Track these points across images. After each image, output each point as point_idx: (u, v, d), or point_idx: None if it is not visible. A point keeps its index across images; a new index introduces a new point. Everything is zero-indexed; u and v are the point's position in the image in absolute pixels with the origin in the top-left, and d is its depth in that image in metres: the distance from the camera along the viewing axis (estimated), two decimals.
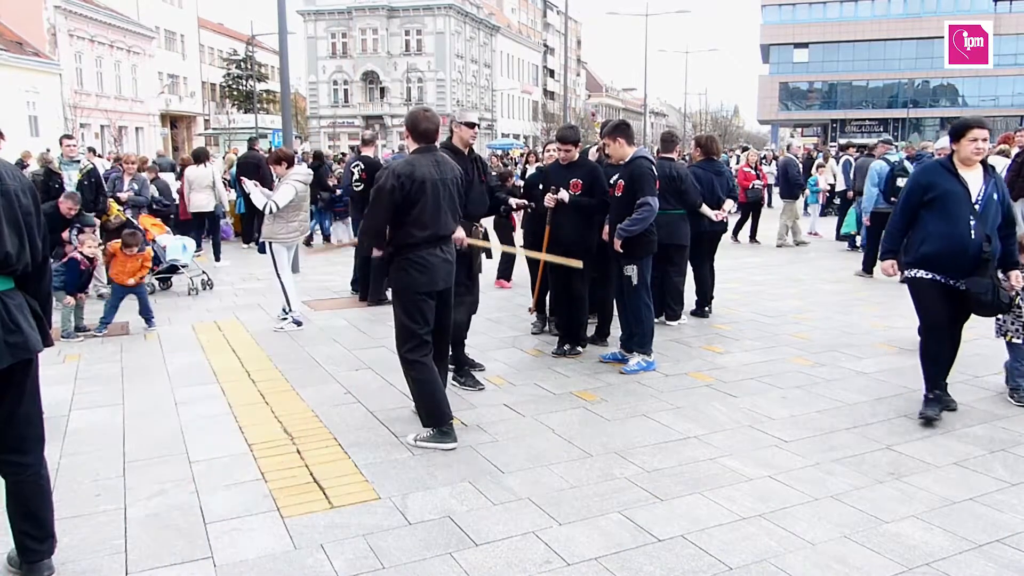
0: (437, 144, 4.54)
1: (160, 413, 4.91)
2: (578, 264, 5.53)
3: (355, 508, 3.56)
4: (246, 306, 8.37)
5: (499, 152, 35.35)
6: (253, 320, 7.64)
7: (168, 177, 13.23)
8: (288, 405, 5.05)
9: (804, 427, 4.58)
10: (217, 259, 11.46)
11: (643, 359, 5.76)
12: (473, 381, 5.37)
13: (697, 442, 4.36)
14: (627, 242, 5.58)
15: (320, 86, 58.21)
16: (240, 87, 55.65)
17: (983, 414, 4.78)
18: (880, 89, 62.50)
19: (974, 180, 4.50)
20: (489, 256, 5.77)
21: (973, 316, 4.74)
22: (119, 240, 7.25)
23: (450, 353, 5.48)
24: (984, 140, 4.51)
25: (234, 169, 13.15)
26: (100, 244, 8.66)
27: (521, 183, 10.19)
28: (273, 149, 13.54)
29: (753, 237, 13.69)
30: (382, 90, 57.09)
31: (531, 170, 11.29)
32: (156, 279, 8.95)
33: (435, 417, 4.30)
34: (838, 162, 15.21)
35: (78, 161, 9.47)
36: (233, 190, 13.17)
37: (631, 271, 5.67)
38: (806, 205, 15.64)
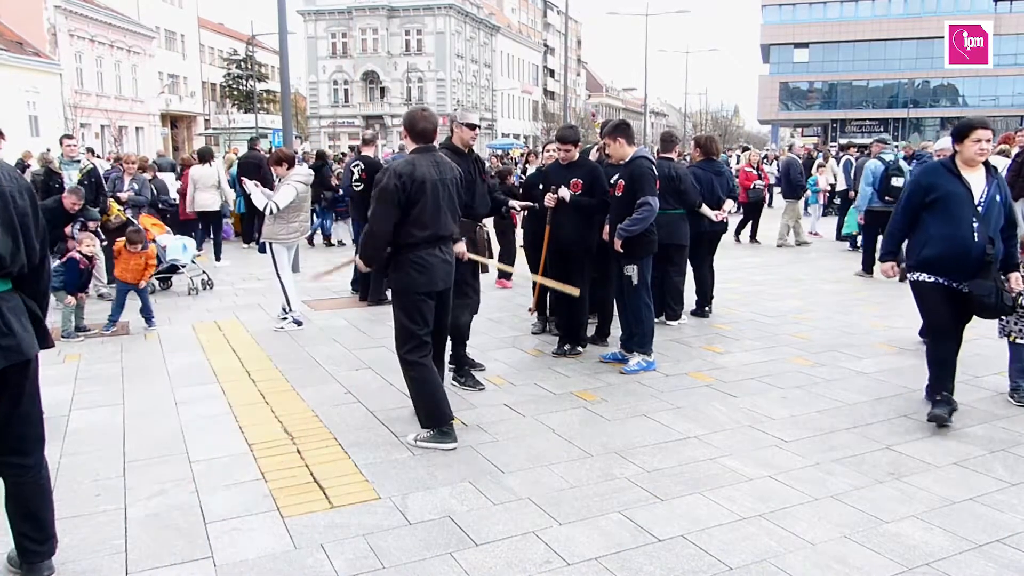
0: (436, 144, 4.54)
1: (160, 413, 4.91)
2: (575, 292, 5.54)
3: (355, 508, 3.56)
4: (246, 306, 8.37)
5: (499, 152, 35.33)
6: (253, 320, 7.64)
7: (168, 177, 13.25)
8: (288, 405, 5.05)
9: (804, 427, 4.58)
10: (217, 259, 11.46)
11: (643, 359, 5.76)
12: (473, 381, 5.37)
13: (697, 442, 4.36)
14: (627, 242, 5.58)
15: (320, 86, 58.23)
16: (240, 87, 55.66)
17: (983, 414, 4.78)
18: (880, 89, 62.51)
19: (977, 181, 4.45)
20: (485, 271, 5.77)
21: (974, 316, 4.71)
22: (123, 238, 7.27)
23: (452, 353, 5.53)
24: (988, 141, 4.47)
25: (234, 169, 13.16)
26: (103, 241, 8.69)
27: (520, 182, 10.20)
28: (273, 149, 13.55)
29: (753, 237, 13.70)
30: (382, 90, 57.11)
31: (531, 170, 11.30)
32: (156, 279, 8.95)
33: (435, 418, 4.30)
34: (838, 162, 15.22)
35: (78, 161, 9.48)
36: (233, 190, 13.19)
37: (631, 271, 5.67)
38: (806, 205, 15.65)
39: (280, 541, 3.27)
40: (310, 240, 13.66)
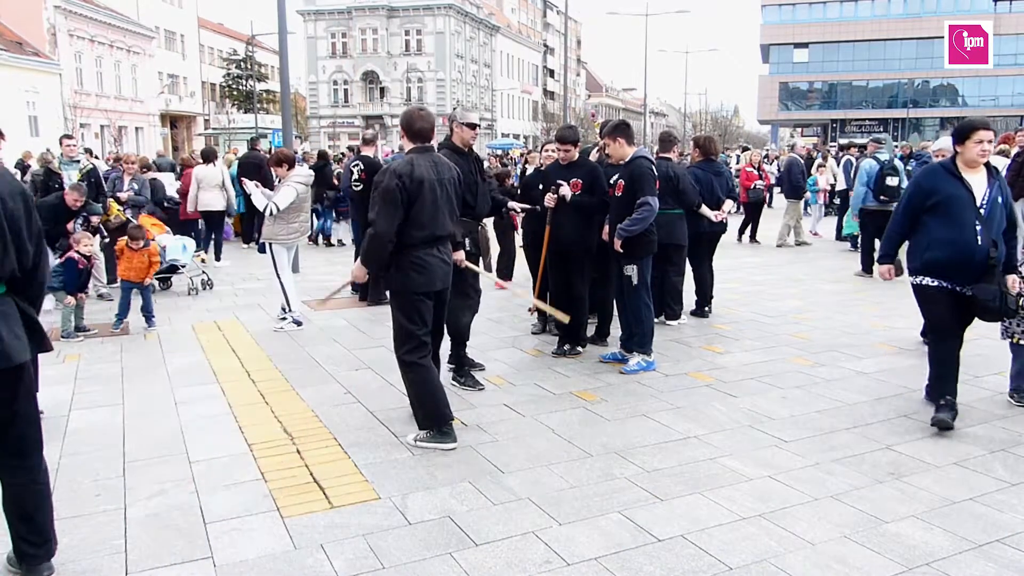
0: (434, 143, 4.54)
1: (160, 413, 4.91)
2: (564, 318, 5.63)
3: (355, 508, 3.56)
4: (246, 306, 8.37)
5: (499, 152, 35.34)
6: (253, 320, 7.64)
7: (168, 177, 13.26)
8: (288, 405, 5.05)
9: (804, 427, 4.58)
10: (217, 259, 11.46)
11: (643, 359, 5.76)
12: (473, 381, 5.37)
13: (697, 442, 4.36)
14: (627, 242, 5.58)
15: (320, 86, 58.25)
16: (240, 87, 55.66)
17: (983, 414, 4.77)
18: (880, 89, 62.53)
19: (978, 183, 4.40)
20: (489, 269, 5.78)
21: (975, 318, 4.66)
22: (124, 237, 7.29)
23: (452, 353, 5.53)
24: (989, 142, 4.41)
25: (234, 169, 13.17)
26: (106, 238, 8.69)
27: (519, 182, 10.19)
28: (273, 149, 13.56)
29: (753, 237, 13.70)
30: (382, 90, 57.12)
31: (530, 170, 11.28)
32: (156, 279, 8.94)
33: (436, 418, 4.29)
34: (838, 163, 15.23)
35: (78, 161, 9.48)
36: (233, 189, 13.21)
37: (631, 271, 5.67)
38: (806, 205, 15.65)
39: (280, 541, 3.27)
40: (315, 239, 13.71)
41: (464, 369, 5.45)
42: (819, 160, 16.09)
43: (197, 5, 51.37)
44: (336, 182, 13.30)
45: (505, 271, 9.37)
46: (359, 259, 4.45)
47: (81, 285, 6.95)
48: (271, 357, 6.24)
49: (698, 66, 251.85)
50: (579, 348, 6.22)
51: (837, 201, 15.23)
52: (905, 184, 10.19)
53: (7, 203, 2.71)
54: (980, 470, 3.95)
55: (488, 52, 64.39)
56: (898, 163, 10.17)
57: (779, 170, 21.41)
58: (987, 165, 4.48)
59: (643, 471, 3.95)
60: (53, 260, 7.32)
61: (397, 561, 3.10)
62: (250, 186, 7.30)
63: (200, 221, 12.06)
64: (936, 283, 4.44)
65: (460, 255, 4.93)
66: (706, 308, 7.72)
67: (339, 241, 13.86)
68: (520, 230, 7.99)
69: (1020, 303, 4.65)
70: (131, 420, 4.78)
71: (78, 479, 3.90)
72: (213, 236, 11.86)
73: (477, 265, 5.64)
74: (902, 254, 4.89)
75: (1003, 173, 6.94)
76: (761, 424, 4.63)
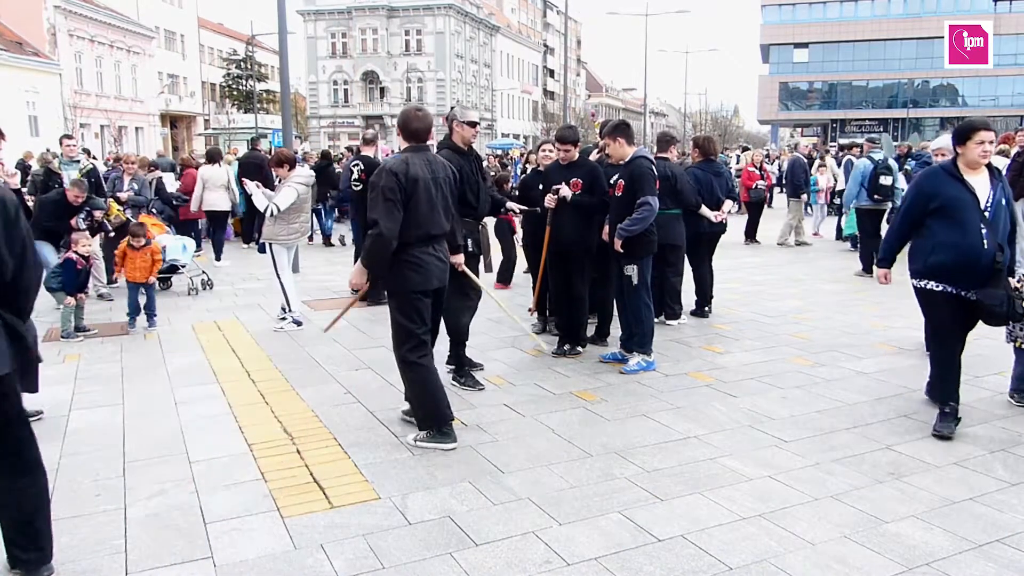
0: (430, 143, 4.53)
1: (160, 413, 4.91)
2: (545, 349, 5.69)
3: (355, 508, 3.56)
4: (246, 306, 8.37)
5: (499, 152, 35.33)
6: (253, 320, 7.64)
7: (167, 177, 13.28)
8: (288, 405, 5.05)
9: (804, 427, 4.57)
10: (218, 259, 11.47)
11: (643, 359, 5.76)
12: (473, 381, 5.37)
13: (697, 442, 4.36)
14: (627, 242, 5.58)
15: (320, 86, 58.26)
16: (240, 87, 55.66)
17: (983, 414, 4.77)
18: (880, 89, 62.54)
19: (981, 185, 4.29)
20: (489, 269, 5.78)
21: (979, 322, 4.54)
22: (125, 239, 7.29)
23: (452, 353, 5.53)
24: (991, 143, 4.30)
25: (234, 169, 13.20)
26: (111, 232, 8.68)
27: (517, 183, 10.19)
28: (273, 149, 13.56)
29: (753, 237, 13.69)
30: (382, 90, 57.13)
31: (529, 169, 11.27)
32: (157, 278, 8.95)
33: (436, 418, 4.29)
34: (839, 163, 15.23)
35: (78, 161, 9.50)
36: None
37: (631, 271, 5.67)
38: (808, 205, 15.66)
39: (280, 541, 3.27)
40: (328, 240, 13.77)
41: (464, 369, 5.45)
42: (818, 160, 16.10)
43: (197, 5, 51.39)
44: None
45: (505, 273, 9.37)
46: (359, 261, 4.37)
47: (80, 285, 6.95)
48: (271, 357, 6.24)
49: (698, 66, 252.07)
50: (579, 348, 6.22)
51: (837, 201, 15.23)
52: (899, 184, 10.35)
53: None
54: (980, 470, 3.95)
55: (488, 52, 64.40)
56: (892, 163, 10.27)
57: (779, 170, 21.45)
58: (989, 166, 4.38)
59: (643, 471, 3.95)
60: (54, 259, 7.33)
61: (397, 561, 3.10)
62: (251, 186, 7.30)
63: (200, 221, 12.13)
64: (940, 287, 4.35)
65: (459, 258, 4.92)
66: (706, 308, 7.72)
67: (340, 239, 13.84)
68: (519, 231, 8.00)
69: None
70: (131, 420, 4.78)
71: (78, 479, 3.90)
72: (213, 236, 11.90)
73: (478, 264, 5.64)
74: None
75: (1003, 173, 6.94)
76: (761, 424, 4.63)
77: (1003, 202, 4.31)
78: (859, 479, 3.84)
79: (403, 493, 3.71)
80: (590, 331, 6.50)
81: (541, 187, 6.25)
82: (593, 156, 6.82)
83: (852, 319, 7.50)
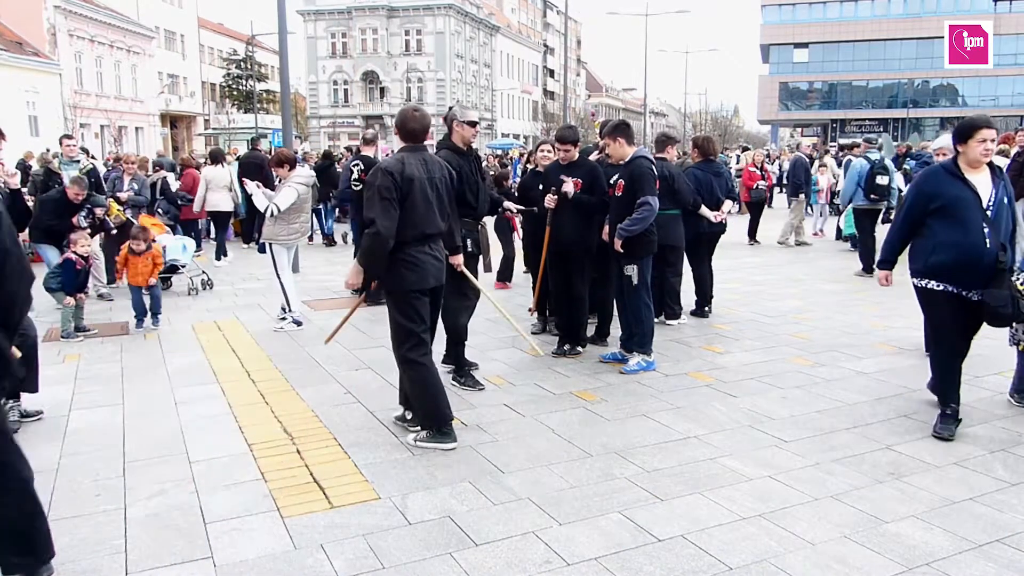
0: (426, 143, 4.53)
1: (160, 413, 4.91)
2: (538, 353, 5.64)
3: (355, 508, 3.56)
4: (246, 306, 8.37)
5: (499, 152, 35.34)
6: (253, 320, 7.64)
7: (168, 177, 13.28)
8: (288, 405, 5.05)
9: (804, 427, 4.57)
10: (218, 259, 11.47)
11: (643, 359, 5.76)
12: (473, 381, 5.36)
13: (697, 442, 4.36)
14: (627, 242, 5.58)
15: (320, 86, 58.26)
16: (240, 87, 55.66)
17: (983, 414, 4.77)
18: (880, 89, 62.53)
19: (983, 184, 4.24)
20: (488, 269, 5.78)
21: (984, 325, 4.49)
22: (126, 245, 7.30)
23: (452, 353, 5.53)
24: (992, 141, 4.25)
25: (234, 169, 13.22)
26: (114, 230, 8.69)
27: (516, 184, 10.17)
28: (274, 149, 13.56)
29: (753, 237, 13.69)
30: (382, 90, 57.13)
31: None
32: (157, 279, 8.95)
33: (436, 418, 4.29)
34: (839, 163, 15.24)
35: (78, 161, 9.50)
36: None
37: (631, 271, 5.67)
38: (808, 205, 15.67)
39: (280, 541, 3.27)
40: (331, 240, 13.78)
41: (464, 369, 5.45)
42: (818, 160, 16.11)
43: (197, 5, 51.38)
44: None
45: (504, 272, 9.37)
46: (356, 261, 4.38)
47: (80, 285, 6.95)
48: (271, 357, 6.24)
49: (698, 66, 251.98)
50: (579, 348, 6.22)
51: (837, 201, 15.24)
52: (898, 183, 10.41)
53: None
54: (980, 470, 3.95)
55: (488, 52, 64.39)
56: (888, 163, 10.35)
57: (780, 170, 21.46)
58: (990, 165, 4.32)
59: (643, 471, 3.95)
60: (55, 259, 7.33)
61: (397, 561, 3.10)
62: (251, 186, 7.30)
63: (200, 221, 12.17)
64: (941, 287, 4.31)
65: (458, 258, 4.93)
66: (706, 308, 7.71)
67: (344, 236, 13.82)
68: (519, 231, 8.00)
69: None
70: (131, 420, 4.78)
71: (78, 479, 3.90)
72: (215, 236, 11.95)
73: (477, 264, 5.64)
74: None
75: (1004, 172, 6.92)
76: (761, 424, 4.63)
77: (1005, 201, 4.26)
78: (859, 479, 3.84)
79: (403, 493, 3.71)
80: (590, 331, 6.50)
81: (541, 187, 6.25)
82: (593, 157, 6.82)
83: (852, 319, 7.50)
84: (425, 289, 4.32)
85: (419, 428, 4.39)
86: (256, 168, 11.74)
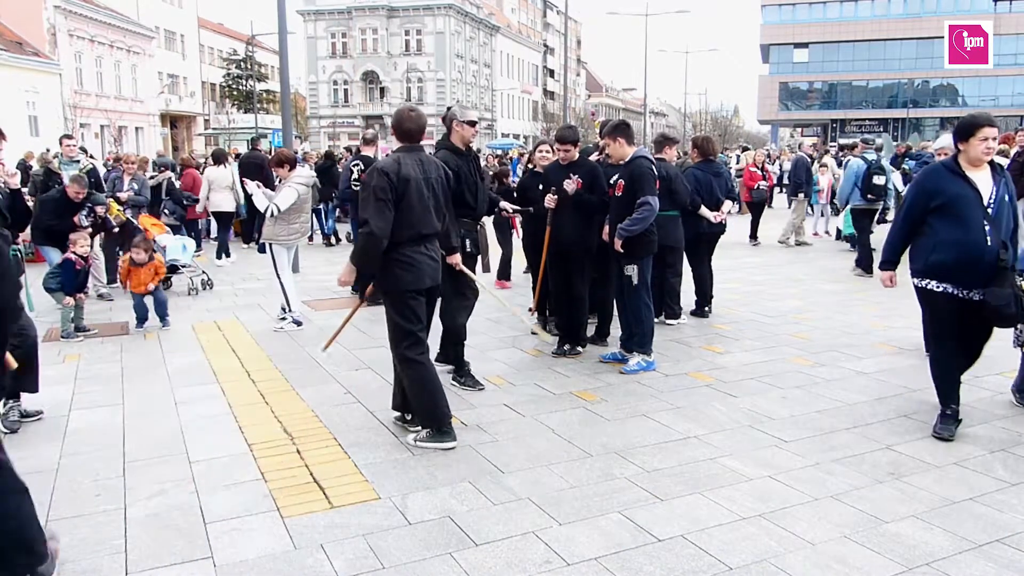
0: (430, 144, 4.53)
1: (160, 413, 4.91)
2: (546, 338, 5.60)
3: (355, 508, 3.56)
4: (246, 306, 8.37)
5: (499, 152, 35.35)
6: (253, 320, 7.64)
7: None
8: (288, 405, 5.05)
9: (804, 427, 4.57)
10: (219, 257, 11.49)
11: (643, 359, 5.76)
12: (473, 381, 5.36)
13: (697, 442, 4.36)
14: (627, 242, 5.58)
15: (320, 86, 58.25)
16: (240, 87, 55.66)
17: (983, 414, 4.77)
18: (880, 89, 62.53)
19: (984, 182, 4.18)
20: (487, 269, 5.77)
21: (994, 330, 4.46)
22: (127, 257, 7.31)
23: (453, 353, 5.52)
24: (994, 139, 4.21)
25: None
26: (115, 228, 8.69)
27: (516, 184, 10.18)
28: (274, 149, 13.58)
29: (754, 237, 13.69)
30: (382, 90, 57.12)
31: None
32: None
33: (435, 417, 4.29)
34: (839, 163, 15.24)
35: (78, 161, 9.51)
36: None
37: (631, 271, 5.67)
38: (809, 205, 15.68)
39: (280, 541, 3.27)
40: (330, 240, 13.78)
41: (464, 369, 5.45)
42: (818, 161, 16.11)
43: (197, 5, 51.37)
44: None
45: (503, 272, 9.37)
46: (349, 259, 4.39)
47: (79, 286, 6.95)
48: (271, 357, 6.24)
49: (698, 66, 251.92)
50: (579, 348, 6.22)
51: (837, 202, 15.24)
52: (895, 183, 10.45)
53: None
54: (980, 470, 3.95)
55: (488, 52, 64.39)
56: (884, 163, 10.42)
57: (780, 170, 21.45)
58: (991, 163, 4.28)
59: (643, 471, 3.95)
60: (58, 259, 7.33)
61: (397, 561, 3.10)
62: (251, 186, 7.30)
63: (200, 221, 12.22)
64: (941, 288, 4.28)
65: (456, 258, 4.93)
66: (706, 308, 7.71)
67: (348, 236, 13.81)
68: (519, 231, 8.00)
69: None
70: (131, 420, 4.78)
71: (78, 479, 3.90)
72: (217, 236, 12.01)
73: (475, 264, 5.64)
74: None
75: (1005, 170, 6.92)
76: (761, 424, 4.63)
77: (1006, 199, 4.22)
78: (859, 479, 3.84)
79: (403, 493, 3.71)
80: (590, 331, 6.50)
81: (541, 187, 6.25)
82: (593, 157, 6.82)
83: (852, 319, 7.50)
84: (421, 289, 4.33)
85: (419, 428, 4.40)
86: (256, 168, 11.77)
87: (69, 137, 10.58)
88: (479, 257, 5.84)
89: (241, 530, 3.36)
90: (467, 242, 5.33)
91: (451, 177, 4.67)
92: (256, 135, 18.11)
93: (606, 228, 5.88)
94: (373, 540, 3.27)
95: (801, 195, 13.74)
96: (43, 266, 7.74)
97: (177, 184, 12.75)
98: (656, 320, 6.23)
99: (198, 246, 10.71)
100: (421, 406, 4.35)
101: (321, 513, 3.52)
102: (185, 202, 11.45)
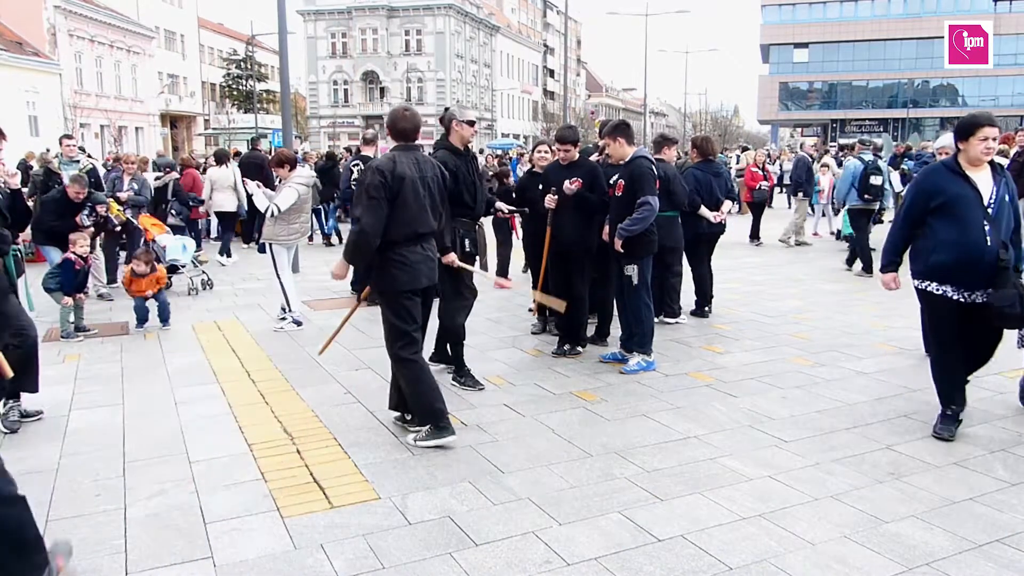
0: (427, 144, 4.54)
1: (160, 413, 4.91)
2: (560, 306, 5.62)
3: (355, 508, 3.56)
4: (246, 306, 8.37)
5: (499, 152, 35.35)
6: (253, 320, 7.64)
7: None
8: (288, 405, 5.05)
9: (804, 427, 4.57)
10: (221, 254, 11.50)
11: (643, 359, 5.76)
12: (473, 381, 5.36)
13: (697, 442, 4.36)
14: (627, 242, 5.58)
15: (320, 86, 58.25)
16: (240, 87, 55.65)
17: (983, 414, 4.77)
18: (880, 89, 62.53)
19: (984, 182, 4.16)
20: (485, 268, 5.76)
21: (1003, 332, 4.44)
22: (128, 268, 7.33)
23: (452, 352, 5.52)
24: (994, 139, 4.20)
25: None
26: (117, 227, 8.69)
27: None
28: (274, 149, 13.58)
29: (755, 237, 13.68)
30: (382, 90, 57.12)
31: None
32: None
33: (432, 415, 4.29)
34: (839, 163, 15.23)
35: (78, 161, 9.50)
36: None
37: (631, 271, 5.67)
38: (811, 205, 15.68)
39: (280, 541, 3.27)
40: (329, 240, 13.78)
41: (464, 369, 5.45)
42: (818, 161, 16.11)
43: (197, 5, 51.37)
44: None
45: (501, 271, 9.37)
46: (342, 255, 4.40)
47: (79, 285, 6.95)
48: (271, 357, 6.24)
49: (698, 66, 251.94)
50: (579, 348, 6.22)
51: (835, 201, 15.25)
52: (894, 183, 10.47)
53: None
54: (980, 470, 3.95)
55: (488, 52, 64.39)
56: (881, 163, 10.47)
57: (780, 170, 21.44)
58: (992, 163, 4.27)
59: (643, 471, 3.95)
60: (57, 258, 7.33)
61: (397, 561, 3.10)
62: (252, 186, 7.31)
63: (200, 221, 12.24)
64: (941, 290, 4.25)
65: (451, 257, 4.92)
66: (706, 308, 7.71)
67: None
68: (519, 231, 8.00)
69: None
70: (131, 420, 4.78)
71: (78, 479, 3.90)
72: (219, 236, 12.04)
73: (474, 264, 5.63)
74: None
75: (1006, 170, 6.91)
76: (761, 424, 4.63)
77: (1007, 198, 4.20)
78: (859, 479, 3.84)
79: (403, 493, 3.71)
80: (590, 331, 6.50)
81: (540, 188, 6.24)
82: (593, 158, 6.82)
83: (852, 319, 7.50)
84: (417, 289, 4.34)
85: (419, 428, 4.40)
86: (256, 168, 11.80)
87: (69, 137, 10.58)
88: (477, 257, 5.83)
89: (241, 530, 3.36)
90: (466, 242, 5.33)
91: (448, 177, 4.67)
92: (256, 135, 18.12)
93: (606, 228, 5.88)
94: (373, 540, 3.27)
95: (801, 195, 13.76)
96: (43, 266, 7.74)
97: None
98: (656, 320, 6.23)
99: (198, 246, 10.70)
100: (418, 403, 4.35)
101: (321, 513, 3.52)
102: (191, 203, 11.48)
